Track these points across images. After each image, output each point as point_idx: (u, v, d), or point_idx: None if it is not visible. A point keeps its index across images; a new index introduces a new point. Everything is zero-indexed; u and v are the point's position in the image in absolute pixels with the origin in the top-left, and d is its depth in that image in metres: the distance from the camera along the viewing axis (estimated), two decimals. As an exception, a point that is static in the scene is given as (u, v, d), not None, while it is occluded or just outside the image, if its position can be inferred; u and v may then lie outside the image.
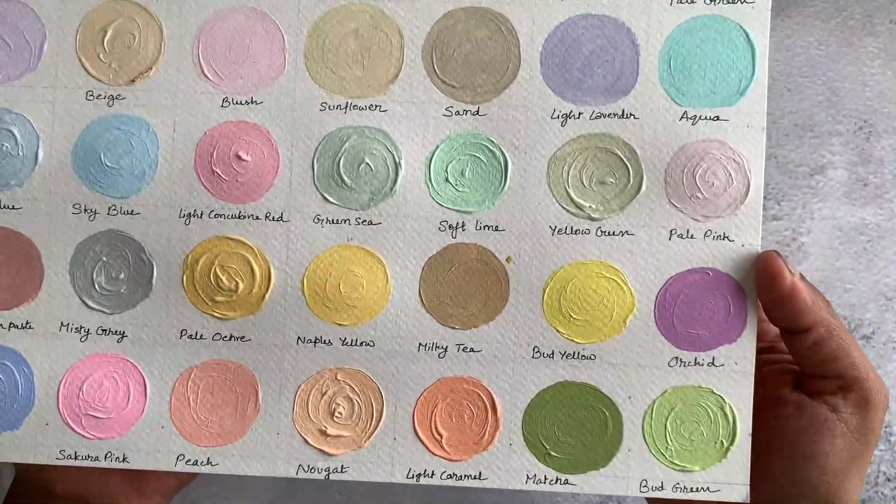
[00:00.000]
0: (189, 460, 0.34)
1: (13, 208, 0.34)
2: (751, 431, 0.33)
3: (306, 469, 0.34)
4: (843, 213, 0.46)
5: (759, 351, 0.33)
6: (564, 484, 0.33)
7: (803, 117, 0.41)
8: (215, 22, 0.34)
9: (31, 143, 0.34)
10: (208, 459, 0.34)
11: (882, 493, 0.47)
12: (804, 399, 0.32)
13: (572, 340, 0.33)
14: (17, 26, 0.34)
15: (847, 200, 0.46)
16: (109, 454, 0.34)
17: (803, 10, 0.45)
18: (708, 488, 0.33)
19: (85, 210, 0.34)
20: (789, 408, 0.33)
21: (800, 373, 0.33)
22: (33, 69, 0.34)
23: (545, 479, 0.33)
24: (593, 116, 0.33)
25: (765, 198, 0.36)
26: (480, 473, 0.33)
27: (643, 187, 0.33)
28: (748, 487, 0.33)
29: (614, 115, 0.33)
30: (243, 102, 0.34)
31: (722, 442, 0.33)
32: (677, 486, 0.33)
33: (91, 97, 0.34)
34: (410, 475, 0.34)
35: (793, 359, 0.33)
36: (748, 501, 0.33)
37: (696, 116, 0.33)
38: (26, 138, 0.34)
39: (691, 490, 0.33)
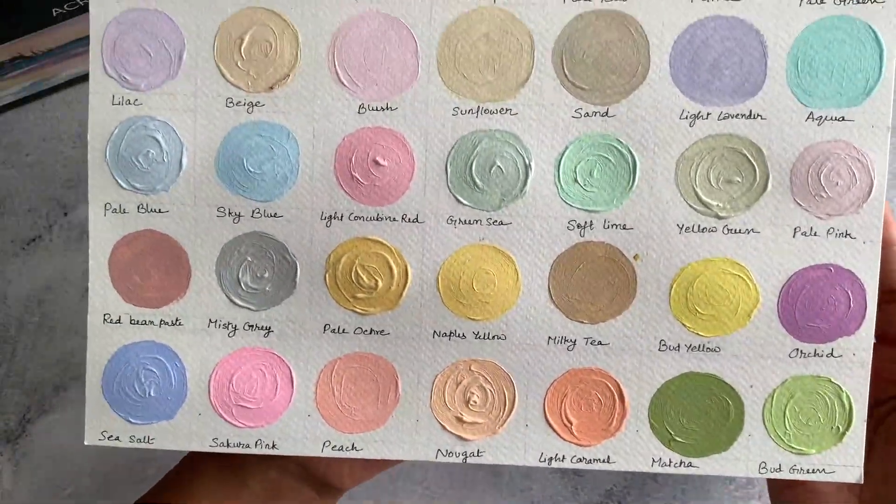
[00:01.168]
0: (335, 446, 0.36)
1: (160, 212, 0.36)
2: (866, 418, 0.35)
3: (444, 454, 0.36)
4: None
5: None
6: (688, 467, 0.36)
7: None
8: (349, 28, 0.35)
9: (176, 149, 0.36)
10: (353, 445, 0.36)
11: None
12: None
13: (698, 334, 0.35)
14: (156, 35, 0.35)
15: None
16: (259, 441, 0.36)
17: None
18: (823, 470, 0.35)
19: (229, 213, 0.36)
20: None
21: None
22: (174, 77, 0.36)
23: (670, 462, 0.36)
24: (721, 117, 0.34)
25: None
26: (609, 458, 0.36)
27: (769, 186, 0.34)
28: (862, 469, 0.35)
29: (742, 115, 0.34)
30: (379, 109, 0.35)
31: (838, 427, 0.35)
32: (794, 468, 0.35)
33: (231, 104, 0.36)
34: (542, 459, 0.36)
35: None
36: (861, 482, 0.35)
37: (822, 117, 0.34)
38: (170, 145, 0.36)
39: (808, 472, 0.35)
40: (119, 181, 0.36)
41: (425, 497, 0.49)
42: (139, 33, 0.35)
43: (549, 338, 0.36)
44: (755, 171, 0.34)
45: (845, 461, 0.35)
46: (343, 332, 0.36)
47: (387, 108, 0.35)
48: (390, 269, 0.36)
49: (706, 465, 0.36)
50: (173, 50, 0.35)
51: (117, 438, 0.37)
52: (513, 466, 0.48)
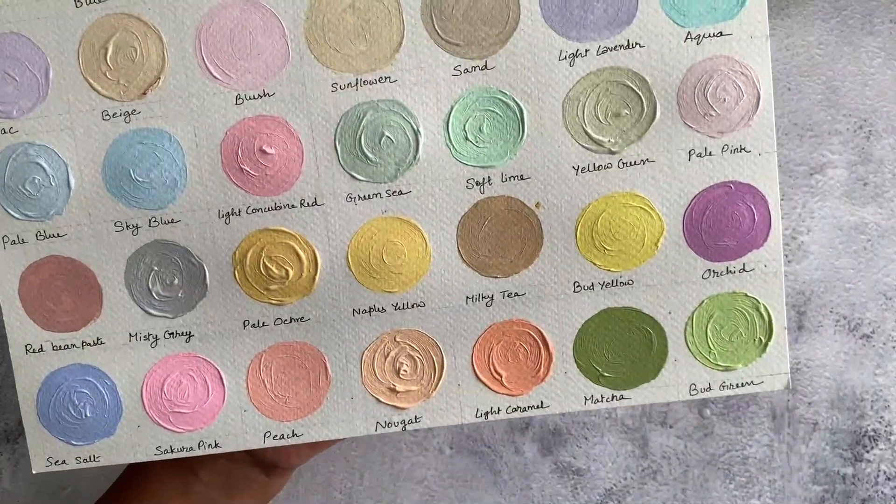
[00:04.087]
0: (276, 435, 0.37)
1: (59, 236, 0.36)
2: (786, 325, 0.35)
3: (384, 424, 0.37)
4: (842, 212, 0.46)
5: None
6: (620, 399, 0.36)
7: (803, 117, 0.40)
8: (212, 20, 0.34)
9: (61, 171, 0.35)
10: (293, 432, 0.37)
11: (882, 493, 0.48)
12: None
13: (609, 270, 0.35)
14: (17, 59, 0.34)
15: (847, 200, 0.46)
16: (202, 443, 0.37)
17: (803, 10, 0.44)
18: (752, 382, 0.36)
19: (127, 226, 0.35)
20: None
21: None
22: (44, 98, 0.35)
23: (602, 397, 0.36)
24: (600, 51, 0.34)
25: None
26: (542, 402, 0.36)
27: (658, 114, 0.34)
28: (789, 375, 0.36)
29: (620, 46, 0.34)
30: (256, 97, 0.34)
31: (760, 339, 0.36)
32: (724, 384, 0.36)
33: (107, 116, 0.35)
34: (479, 414, 0.37)
35: None
36: (790, 388, 0.36)
37: (699, 35, 0.33)
38: (55, 167, 0.35)
39: (737, 386, 0.36)
40: (11, 212, 0.35)
41: (425, 497, 0.50)
42: (0, 59, 0.34)
43: (467, 297, 0.36)
44: (641, 100, 0.34)
45: (771, 370, 0.36)
46: (263, 325, 0.36)
47: (264, 95, 0.34)
48: (298, 256, 0.36)
49: (638, 396, 0.36)
50: (39, 71, 0.34)
51: (63, 462, 0.37)
52: (511, 465, 0.49)
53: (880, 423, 0.48)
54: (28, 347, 0.37)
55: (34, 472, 0.37)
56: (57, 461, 0.37)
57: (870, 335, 0.47)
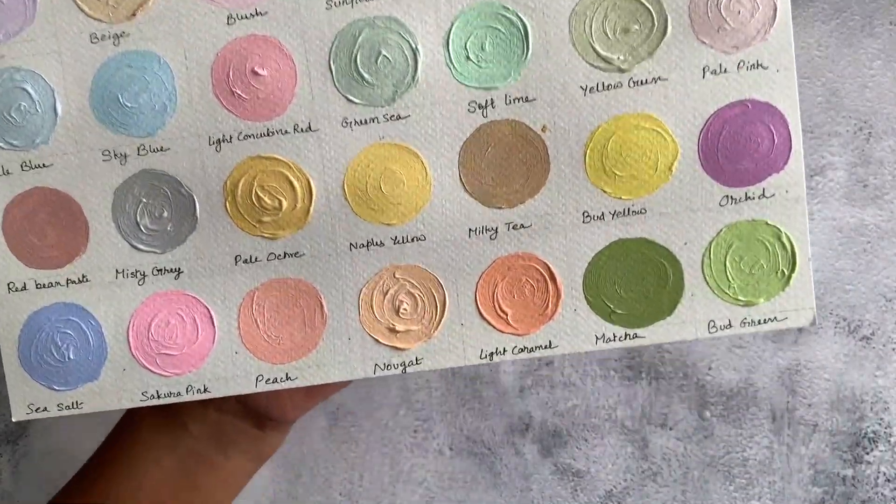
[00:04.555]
0: (268, 379, 0.35)
1: (45, 166, 0.34)
2: (810, 256, 0.33)
3: (382, 367, 0.34)
4: (842, 213, 0.46)
5: None
6: (634, 338, 0.34)
7: (803, 118, 0.39)
8: (203, -63, 0.33)
9: (47, 97, 0.34)
10: (286, 375, 0.35)
11: (882, 494, 0.48)
12: None
13: (620, 198, 0.33)
14: (4, -20, 0.33)
15: (847, 201, 0.46)
16: (190, 387, 0.35)
17: (803, 11, 0.44)
18: (775, 318, 0.33)
19: (115, 155, 0.34)
20: None
21: None
22: (31, 21, 0.34)
23: (614, 336, 0.34)
24: (607, -36, 0.32)
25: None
26: (550, 342, 0.34)
27: (669, 29, 0.32)
28: (814, 311, 0.33)
29: (628, -42, 0.32)
30: (248, 16, 0.33)
31: (783, 271, 0.33)
32: (745, 321, 0.34)
33: (95, 39, 0.33)
34: (483, 355, 0.34)
35: None
36: (815, 324, 0.33)
37: (712, -56, 0.32)
38: (41, 93, 0.34)
39: (759, 322, 0.34)
40: (-5, 141, 0.34)
41: (425, 498, 0.49)
42: (-15, -19, 0.33)
43: (470, 230, 0.34)
44: (652, 14, 0.32)
45: (796, 305, 0.33)
46: (255, 260, 0.34)
47: (256, 14, 0.33)
48: (291, 185, 0.34)
49: (652, 334, 0.34)
50: (25, -8, 0.33)
51: (45, 409, 0.35)
52: (511, 467, 0.48)
53: (880, 424, 0.47)
54: (11, 286, 0.35)
55: (14, 419, 0.35)
56: (38, 408, 0.35)
57: (870, 337, 0.46)
